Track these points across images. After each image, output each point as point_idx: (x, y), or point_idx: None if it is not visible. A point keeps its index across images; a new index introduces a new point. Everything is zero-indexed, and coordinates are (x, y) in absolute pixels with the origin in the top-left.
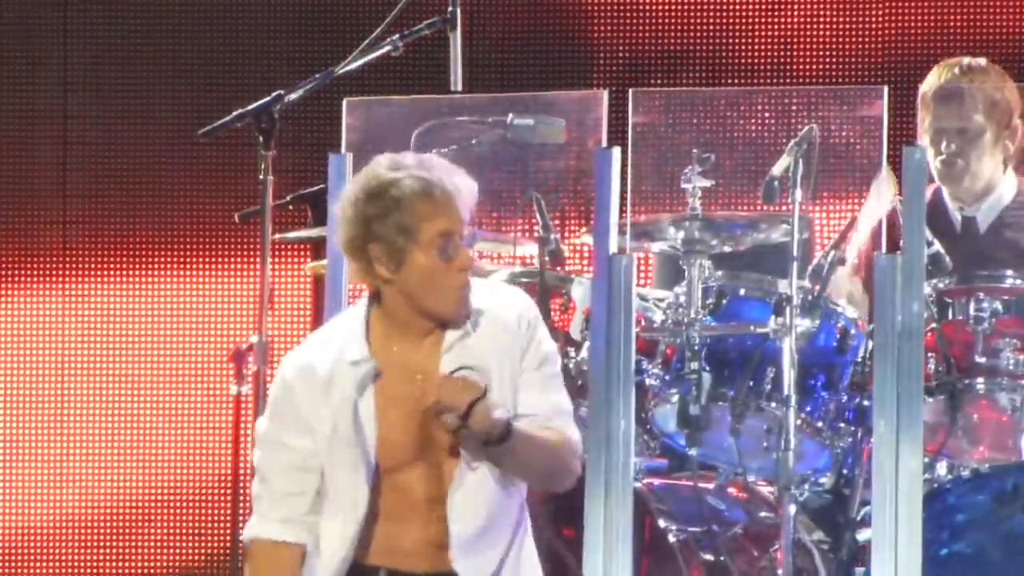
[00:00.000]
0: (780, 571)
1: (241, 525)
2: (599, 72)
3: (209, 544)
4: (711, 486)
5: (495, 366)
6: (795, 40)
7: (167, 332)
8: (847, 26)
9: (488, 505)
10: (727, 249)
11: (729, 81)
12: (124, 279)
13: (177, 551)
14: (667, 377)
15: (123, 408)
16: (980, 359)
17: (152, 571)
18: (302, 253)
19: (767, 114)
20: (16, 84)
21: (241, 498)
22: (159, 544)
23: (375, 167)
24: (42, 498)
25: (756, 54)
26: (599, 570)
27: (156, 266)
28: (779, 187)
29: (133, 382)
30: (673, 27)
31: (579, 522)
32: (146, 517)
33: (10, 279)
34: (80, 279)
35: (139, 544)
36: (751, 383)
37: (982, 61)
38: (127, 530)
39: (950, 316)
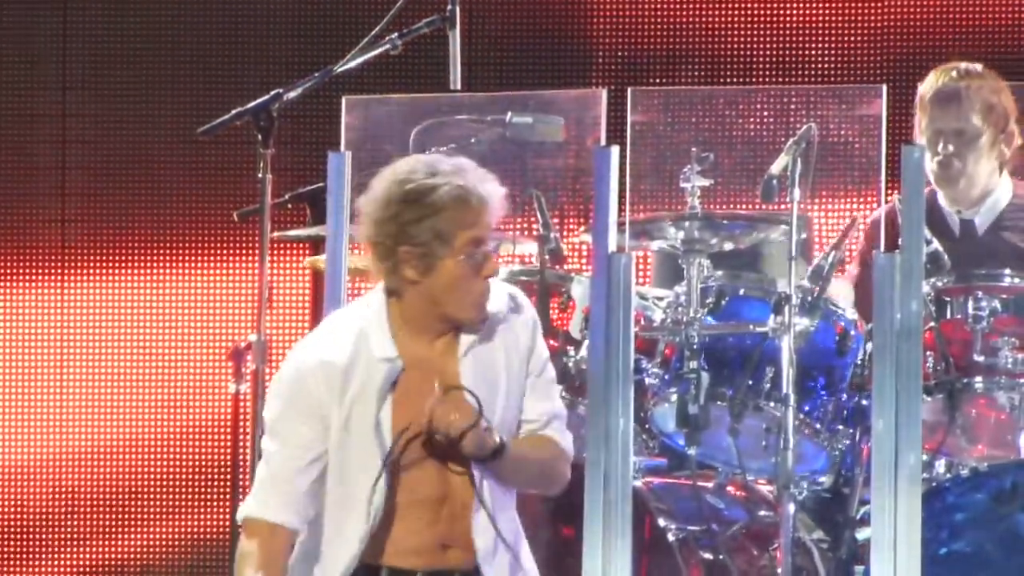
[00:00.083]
0: (779, 570)
1: (239, 523)
2: (598, 71)
3: (208, 543)
4: (710, 485)
5: (504, 373)
6: (794, 39)
7: (166, 331)
8: (846, 25)
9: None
10: (726, 248)
11: (728, 80)
12: (123, 278)
13: (176, 549)
14: (666, 376)
15: (122, 406)
16: (979, 358)
17: (151, 569)
18: (301, 251)
19: (766, 113)
20: (15, 83)
21: (240, 497)
22: (158, 543)
23: (411, 170)
24: (42, 497)
25: (755, 53)
26: (598, 569)
27: (155, 265)
28: (778, 186)
29: (132, 380)
30: (672, 26)
31: (578, 521)
32: (145, 516)
33: (9, 278)
34: (79, 278)
35: (138, 543)
36: (750, 383)
37: (979, 66)
38: (127, 529)
39: (949, 315)
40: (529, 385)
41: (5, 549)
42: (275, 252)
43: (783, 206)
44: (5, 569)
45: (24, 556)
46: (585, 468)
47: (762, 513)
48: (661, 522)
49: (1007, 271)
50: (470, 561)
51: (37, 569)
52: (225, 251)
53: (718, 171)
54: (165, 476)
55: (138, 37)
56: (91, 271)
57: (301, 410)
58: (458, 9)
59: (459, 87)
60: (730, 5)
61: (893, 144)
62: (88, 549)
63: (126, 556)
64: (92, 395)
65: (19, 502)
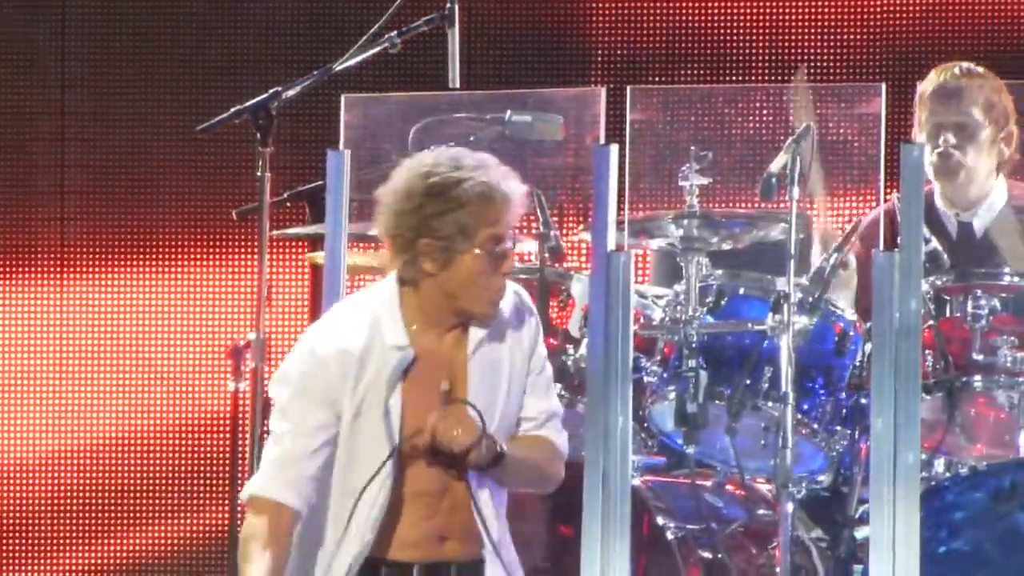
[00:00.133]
0: (778, 569)
1: (239, 522)
2: (597, 69)
3: (207, 541)
4: (709, 483)
5: (507, 371)
6: (793, 37)
7: (165, 329)
8: (845, 23)
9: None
10: (725, 246)
11: (727, 78)
12: (122, 275)
13: (175, 547)
14: (665, 375)
15: (121, 405)
16: (978, 356)
17: (150, 567)
18: (300, 250)
19: (765, 111)
20: (14, 81)
21: (239, 495)
22: (157, 541)
23: (435, 163)
24: (41, 495)
25: (754, 51)
26: (597, 567)
27: (154, 263)
28: (777, 184)
29: (131, 379)
30: (671, 24)
31: (577, 520)
32: (145, 514)
33: (8, 276)
34: (78, 276)
35: (137, 541)
36: (748, 382)
37: (980, 68)
38: (126, 527)
39: (948, 313)
40: (530, 383)
41: (4, 547)
42: (274, 250)
43: (782, 204)
44: (5, 567)
45: (23, 554)
46: (584, 467)
47: (761, 512)
48: (660, 521)
49: (1006, 269)
50: (467, 553)
51: (36, 567)
52: (224, 249)
53: (717, 169)
54: (164, 474)
55: (137, 35)
56: (90, 269)
57: (315, 395)
58: (457, 7)
59: (458, 85)
60: (729, 4)
61: (892, 143)
62: (87, 547)
63: (125, 554)
64: (91, 393)
65: (18, 500)
